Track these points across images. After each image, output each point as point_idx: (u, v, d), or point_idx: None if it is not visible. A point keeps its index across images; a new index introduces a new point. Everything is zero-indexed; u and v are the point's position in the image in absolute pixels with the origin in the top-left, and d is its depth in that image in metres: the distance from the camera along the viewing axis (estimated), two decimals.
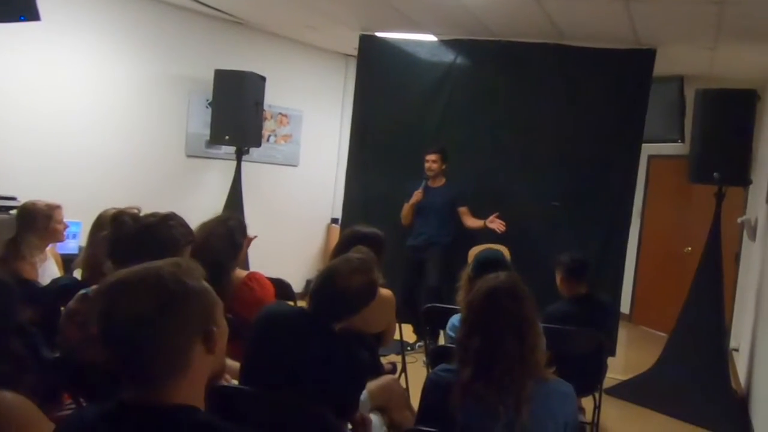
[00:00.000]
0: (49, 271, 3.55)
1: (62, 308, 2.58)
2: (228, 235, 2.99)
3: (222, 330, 1.34)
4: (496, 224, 5.41)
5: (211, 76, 6.26)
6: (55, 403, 2.52)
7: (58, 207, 3.55)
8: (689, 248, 6.97)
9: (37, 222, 3.42)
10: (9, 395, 1.52)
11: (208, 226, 2.97)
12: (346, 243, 3.18)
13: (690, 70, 6.44)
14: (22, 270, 3.34)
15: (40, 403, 1.65)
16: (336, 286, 2.37)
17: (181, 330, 1.25)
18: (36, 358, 2.04)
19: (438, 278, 5.52)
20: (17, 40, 5.01)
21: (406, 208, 5.79)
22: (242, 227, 3.13)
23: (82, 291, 2.56)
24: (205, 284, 1.32)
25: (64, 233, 3.62)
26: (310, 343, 2.31)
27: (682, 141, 6.55)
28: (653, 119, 5.79)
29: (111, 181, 5.68)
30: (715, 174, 4.87)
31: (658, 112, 6.10)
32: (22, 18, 3.98)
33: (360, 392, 2.44)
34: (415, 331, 5.72)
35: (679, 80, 6.54)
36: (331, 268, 2.43)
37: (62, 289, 2.90)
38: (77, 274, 3.40)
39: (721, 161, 4.88)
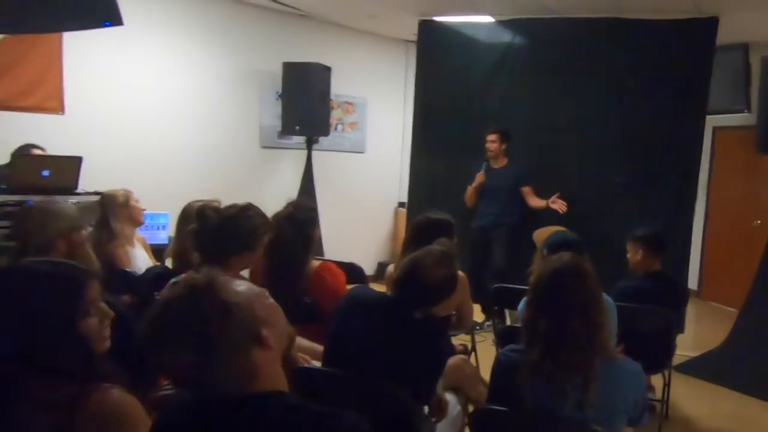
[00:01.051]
0: (140, 259, 3.81)
1: (156, 295, 2.74)
2: (298, 232, 3.09)
3: (273, 314, 1.37)
4: (558, 204, 5.44)
5: (279, 69, 6.47)
6: (152, 386, 2.75)
7: (130, 191, 3.85)
8: (758, 221, 6.81)
9: (116, 206, 3.72)
10: (116, 392, 1.53)
11: (278, 224, 3.04)
12: (418, 230, 3.29)
13: (754, 36, 6.24)
14: (116, 259, 3.62)
15: (138, 392, 1.70)
16: (420, 278, 2.41)
17: (231, 356, 1.27)
18: (134, 345, 2.20)
19: (505, 259, 5.57)
20: (106, 48, 5.33)
21: (470, 190, 5.84)
22: (311, 220, 3.22)
23: (173, 280, 2.75)
24: (240, 289, 1.34)
25: (143, 213, 3.91)
26: (393, 328, 2.38)
27: (749, 111, 6.37)
28: (717, 90, 5.65)
29: (193, 174, 5.97)
30: None
31: (722, 81, 5.93)
32: (106, 24, 4.20)
33: (438, 378, 2.49)
34: (483, 311, 5.80)
35: (744, 48, 6.36)
36: (415, 259, 2.48)
37: (156, 277, 3.10)
38: (168, 263, 3.65)
39: None
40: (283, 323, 1.42)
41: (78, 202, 3.81)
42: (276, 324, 1.37)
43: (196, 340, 1.24)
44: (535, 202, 5.66)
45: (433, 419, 2.59)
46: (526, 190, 5.72)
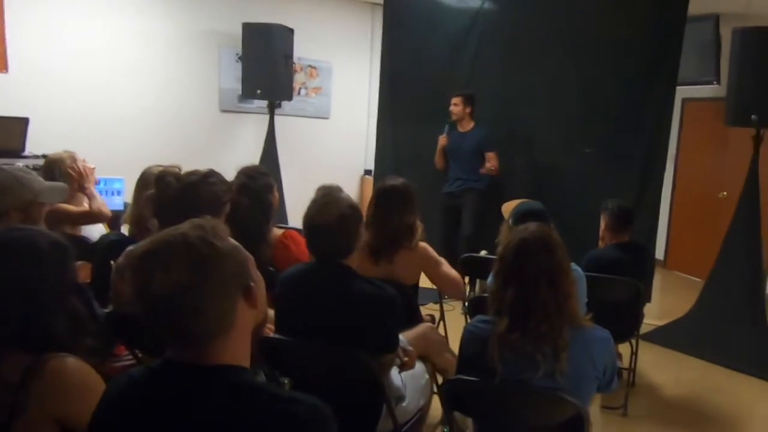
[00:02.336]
0: (96, 227, 3.65)
1: (112, 263, 2.64)
2: (255, 200, 2.99)
3: (258, 283, 1.33)
4: (485, 169, 5.51)
5: (239, 29, 6.26)
6: (110, 356, 2.65)
7: (74, 153, 3.61)
8: (724, 193, 6.87)
9: (62, 169, 3.48)
10: (71, 360, 1.53)
11: (234, 197, 2.90)
12: (377, 197, 3.20)
13: (725, 8, 6.24)
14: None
15: (96, 360, 1.69)
16: (318, 228, 2.37)
17: (220, 292, 1.23)
18: (90, 315, 2.12)
19: (473, 225, 5.55)
20: (54, 2, 5.07)
21: (437, 153, 5.79)
22: (267, 186, 3.10)
23: (130, 247, 2.63)
24: (233, 241, 1.31)
25: (87, 176, 3.64)
26: (331, 288, 2.36)
27: (718, 83, 6.39)
28: (687, 61, 5.62)
29: (149, 138, 5.80)
30: (753, 116, 4.75)
31: (692, 53, 5.93)
32: None
33: (396, 322, 2.43)
34: None
35: (715, 19, 6.35)
36: (305, 217, 2.43)
37: (111, 244, 2.96)
38: (125, 229, 3.50)
39: (759, 103, 4.73)
40: (263, 294, 1.38)
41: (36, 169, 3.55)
42: (260, 290, 1.34)
43: (194, 259, 1.20)
44: (483, 168, 5.62)
45: (403, 383, 2.58)
46: (490, 155, 5.61)
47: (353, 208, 2.43)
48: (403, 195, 3.14)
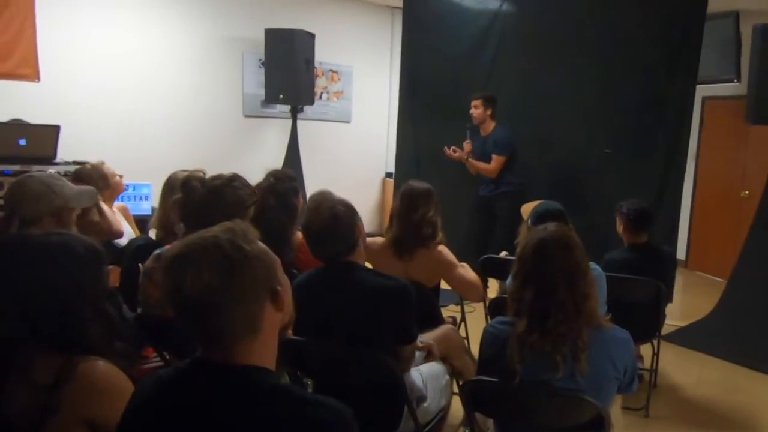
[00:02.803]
0: (124, 230, 3.72)
1: (140, 266, 2.70)
2: (281, 202, 3.05)
3: (285, 286, 1.36)
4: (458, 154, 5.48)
5: (262, 35, 6.33)
6: (138, 358, 2.71)
7: (103, 163, 3.73)
8: (746, 192, 6.82)
9: (96, 182, 3.55)
10: (101, 363, 1.54)
11: (260, 196, 2.96)
12: (402, 192, 3.25)
13: (746, 4, 6.19)
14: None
15: (126, 364, 1.71)
16: (314, 229, 2.41)
17: (249, 294, 1.26)
18: (120, 319, 2.17)
19: (504, 234, 5.22)
20: (82, 12, 5.19)
21: (463, 160, 5.62)
22: (293, 189, 3.16)
23: (157, 251, 2.70)
24: (262, 245, 1.34)
25: (123, 183, 3.80)
26: (342, 287, 2.39)
27: (739, 80, 6.34)
28: (708, 58, 5.59)
29: (175, 143, 5.89)
30: None
31: (712, 50, 5.90)
32: None
33: (412, 312, 2.43)
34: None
35: (735, 16, 6.31)
36: (302, 226, 2.48)
37: (139, 248, 3.02)
38: (152, 234, 3.58)
39: None
40: (290, 298, 1.39)
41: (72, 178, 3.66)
42: (287, 294, 1.36)
43: (225, 262, 1.24)
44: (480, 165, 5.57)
45: (425, 384, 2.61)
46: (496, 158, 5.49)
47: (345, 205, 2.46)
48: (427, 193, 3.20)
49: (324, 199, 2.47)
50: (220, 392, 1.25)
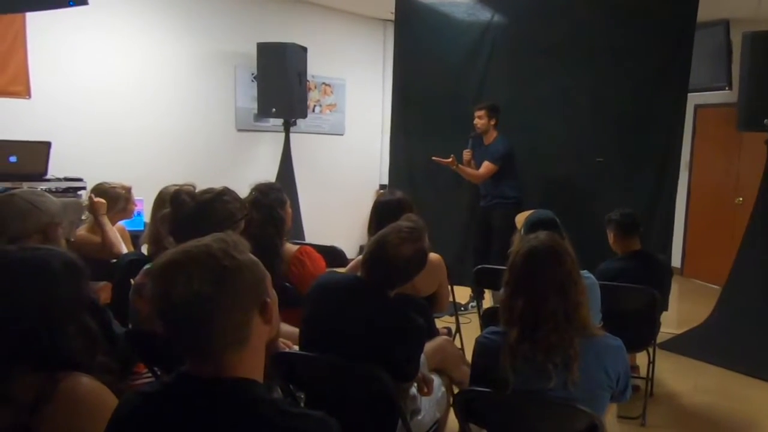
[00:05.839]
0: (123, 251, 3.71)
1: (132, 282, 2.70)
2: (267, 215, 3.01)
3: (273, 300, 1.36)
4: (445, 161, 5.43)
5: (254, 49, 6.35)
6: (129, 374, 2.69)
7: (130, 188, 3.77)
8: (740, 199, 6.84)
9: (117, 204, 3.62)
10: (84, 380, 1.51)
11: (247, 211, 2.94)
12: (377, 211, 3.25)
13: (736, 13, 6.24)
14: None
15: (113, 378, 1.69)
16: (387, 256, 2.37)
17: (238, 305, 1.26)
18: (107, 334, 2.14)
19: (499, 249, 5.32)
20: (73, 29, 5.19)
21: (464, 171, 5.58)
22: (278, 200, 3.11)
23: (147, 266, 2.69)
24: (253, 257, 1.34)
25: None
26: (366, 309, 2.35)
27: (730, 88, 6.37)
28: (698, 67, 5.61)
29: (167, 158, 5.88)
30: (765, 121, 4.76)
31: (703, 59, 5.94)
32: (71, 3, 4.12)
33: (419, 354, 2.45)
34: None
35: (725, 24, 6.34)
36: (381, 237, 2.43)
37: (130, 264, 3.02)
38: (144, 249, 3.56)
39: None
40: (277, 312, 1.39)
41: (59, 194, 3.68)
42: (275, 307, 1.36)
43: (216, 271, 1.24)
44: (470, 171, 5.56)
45: (419, 396, 2.59)
46: (486, 164, 5.47)
47: (425, 252, 2.48)
48: (400, 205, 3.20)
49: (418, 234, 2.48)
50: (207, 406, 1.24)
